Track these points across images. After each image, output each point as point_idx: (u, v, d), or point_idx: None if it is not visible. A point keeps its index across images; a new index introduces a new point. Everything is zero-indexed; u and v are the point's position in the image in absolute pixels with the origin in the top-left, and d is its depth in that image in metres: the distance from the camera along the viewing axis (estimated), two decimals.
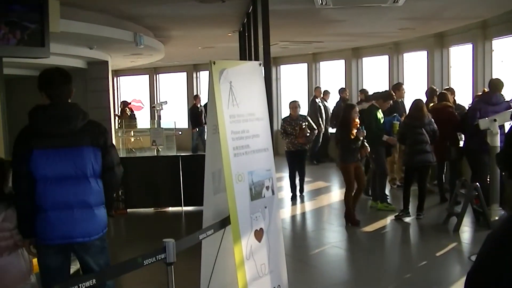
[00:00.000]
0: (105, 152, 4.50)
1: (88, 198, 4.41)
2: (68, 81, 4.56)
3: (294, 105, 11.57)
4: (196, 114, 18.97)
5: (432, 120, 9.46)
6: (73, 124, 4.39)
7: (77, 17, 9.05)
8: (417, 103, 9.53)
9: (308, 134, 11.38)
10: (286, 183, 12.29)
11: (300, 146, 11.46)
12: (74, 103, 4.54)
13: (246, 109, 5.09)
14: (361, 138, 9.12)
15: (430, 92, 11.42)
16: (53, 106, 4.41)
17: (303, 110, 12.42)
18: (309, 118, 11.94)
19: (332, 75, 18.97)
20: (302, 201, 11.54)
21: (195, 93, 21.80)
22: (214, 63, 4.85)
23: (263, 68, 5.55)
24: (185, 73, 23.32)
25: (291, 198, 11.56)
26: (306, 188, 12.17)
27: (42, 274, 4.51)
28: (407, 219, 9.30)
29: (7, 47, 6.62)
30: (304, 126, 11.25)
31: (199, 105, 18.98)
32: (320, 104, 16.86)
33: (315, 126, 11.91)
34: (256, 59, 8.13)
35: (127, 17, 10.32)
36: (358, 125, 9.09)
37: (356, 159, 9.23)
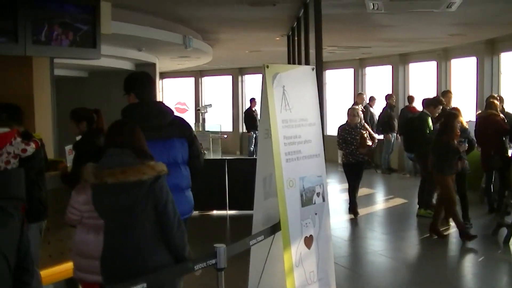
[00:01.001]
0: (191, 142, 5.00)
1: (180, 182, 4.85)
2: (154, 82, 5.23)
3: (353, 112, 10.63)
4: (252, 118, 19.05)
5: (468, 129, 9.30)
6: (164, 119, 4.95)
7: (127, 19, 9.10)
8: (449, 113, 9.30)
9: (370, 143, 10.43)
10: (331, 189, 12.14)
11: (361, 157, 10.46)
12: (160, 101, 5.27)
13: (298, 114, 5.04)
14: (462, 150, 8.67)
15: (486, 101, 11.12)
16: (147, 104, 5.00)
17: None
18: (367, 126, 10.99)
19: (379, 81, 18.77)
20: (349, 208, 11.23)
21: (238, 96, 21.89)
22: (267, 66, 4.79)
23: (315, 72, 5.50)
24: (230, 77, 23.35)
25: (349, 212, 10.59)
26: None
27: None
28: (453, 229, 9.09)
29: (60, 48, 6.67)
30: (365, 135, 10.32)
31: (254, 109, 19.01)
32: (362, 110, 16.65)
33: (375, 135, 10.97)
34: (306, 63, 8.07)
35: (177, 19, 10.35)
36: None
37: (454, 171, 8.73)
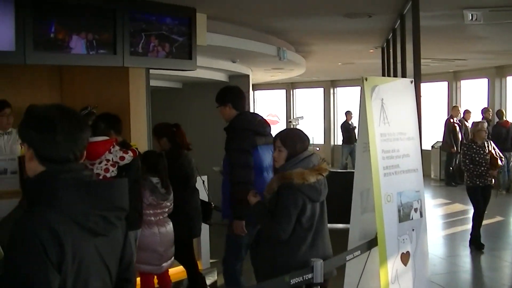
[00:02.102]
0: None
1: None
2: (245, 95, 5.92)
3: (482, 127, 9.28)
4: (348, 130, 19.00)
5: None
6: (269, 128, 5.78)
7: (222, 31, 9.14)
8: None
9: (501, 164, 9.15)
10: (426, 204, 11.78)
11: (489, 180, 9.06)
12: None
13: (397, 127, 4.91)
14: None
15: None
16: (252, 114, 6.06)
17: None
18: (493, 143, 9.40)
19: (474, 94, 18.26)
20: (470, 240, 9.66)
21: (329, 108, 21.71)
22: (366, 79, 4.68)
23: (414, 85, 5.35)
24: (322, 89, 23.25)
25: (470, 243, 9.27)
26: (445, 210, 11.69)
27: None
28: None
29: (157, 60, 6.77)
30: (496, 155, 9.02)
31: (350, 122, 18.98)
32: (457, 123, 16.26)
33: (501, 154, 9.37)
34: (402, 76, 7.88)
35: (271, 31, 10.33)
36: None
37: None
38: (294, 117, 20.89)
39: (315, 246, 4.40)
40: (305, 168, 4.38)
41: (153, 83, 8.11)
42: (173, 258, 6.20)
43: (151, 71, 7.53)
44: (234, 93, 5.88)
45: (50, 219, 2.30)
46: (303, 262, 4.17)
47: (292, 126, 18.12)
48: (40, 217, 2.31)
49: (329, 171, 4.56)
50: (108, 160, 5.17)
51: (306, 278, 3.84)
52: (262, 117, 5.90)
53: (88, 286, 2.40)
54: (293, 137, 4.61)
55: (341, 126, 20.08)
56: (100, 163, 5.13)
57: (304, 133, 4.73)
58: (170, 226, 6.07)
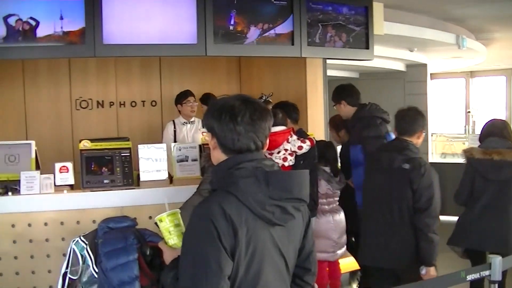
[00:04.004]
0: None
1: None
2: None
3: None
4: None
5: None
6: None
7: (399, 19, 9.01)
8: None
9: None
10: None
11: None
12: None
13: None
14: None
15: None
16: (373, 104, 6.15)
17: None
18: None
19: None
20: None
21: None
22: None
23: None
24: (504, 77, 22.19)
25: None
26: None
27: None
28: None
29: (334, 50, 6.79)
30: None
31: None
32: None
33: None
34: None
35: (450, 18, 10.04)
36: None
37: None
38: (472, 107, 20.14)
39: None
40: None
41: (329, 73, 8.17)
42: (345, 246, 6.23)
43: (328, 61, 7.59)
44: (346, 90, 6.28)
45: (226, 207, 2.41)
46: None
47: (471, 117, 17.50)
48: (217, 204, 2.43)
49: None
50: (286, 150, 5.28)
51: (484, 275, 3.74)
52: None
53: (261, 274, 2.48)
54: None
55: None
56: (278, 152, 5.25)
57: None
58: (342, 214, 6.14)
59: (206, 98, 7.65)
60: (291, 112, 5.72)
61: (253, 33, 6.19)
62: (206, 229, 2.38)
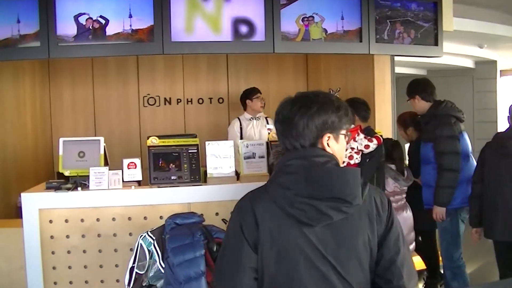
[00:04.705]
0: None
1: None
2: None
3: None
4: None
5: None
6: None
7: (468, 15, 8.83)
8: None
9: None
10: None
11: None
12: None
13: None
14: None
15: None
16: (448, 101, 5.84)
17: None
18: None
19: None
20: None
21: None
22: None
23: None
24: None
25: None
26: None
27: None
28: None
29: (402, 46, 6.69)
30: None
31: None
32: None
33: None
34: None
35: None
36: None
37: None
38: None
39: None
40: None
41: (397, 70, 8.05)
42: (414, 243, 6.12)
43: (396, 58, 7.49)
44: (421, 85, 5.98)
45: (254, 202, 2.45)
46: None
47: None
48: (248, 198, 2.49)
49: None
50: (352, 148, 5.21)
51: None
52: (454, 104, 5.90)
53: (294, 275, 2.38)
54: None
55: None
56: (345, 150, 5.19)
57: None
58: (409, 211, 6.02)
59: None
60: (360, 109, 5.61)
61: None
62: (234, 221, 2.49)
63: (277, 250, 2.39)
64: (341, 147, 2.58)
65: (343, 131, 2.55)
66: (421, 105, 5.90)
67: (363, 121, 5.58)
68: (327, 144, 2.49)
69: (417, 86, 5.98)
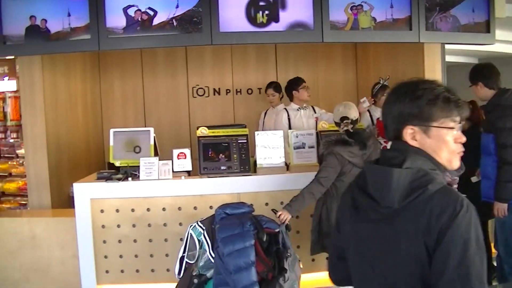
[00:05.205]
0: None
1: None
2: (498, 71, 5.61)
3: None
4: None
5: None
6: None
7: None
8: None
9: None
10: None
11: None
12: None
13: None
14: None
15: None
16: None
17: None
18: None
19: None
20: None
21: None
22: None
23: None
24: None
25: None
26: None
27: None
28: None
29: (452, 34, 6.57)
30: None
31: None
32: None
33: None
34: None
35: None
36: None
37: None
38: None
39: None
40: None
41: (448, 58, 7.92)
42: None
43: (446, 46, 7.36)
44: (485, 71, 5.57)
45: (345, 191, 2.44)
46: None
47: None
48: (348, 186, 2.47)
49: None
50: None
51: None
52: None
53: (359, 268, 2.32)
54: None
55: None
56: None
57: None
58: None
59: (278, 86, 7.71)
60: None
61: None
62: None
63: (347, 240, 2.40)
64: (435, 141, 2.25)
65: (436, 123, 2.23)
66: (483, 92, 5.47)
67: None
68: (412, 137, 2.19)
69: (480, 72, 5.58)
